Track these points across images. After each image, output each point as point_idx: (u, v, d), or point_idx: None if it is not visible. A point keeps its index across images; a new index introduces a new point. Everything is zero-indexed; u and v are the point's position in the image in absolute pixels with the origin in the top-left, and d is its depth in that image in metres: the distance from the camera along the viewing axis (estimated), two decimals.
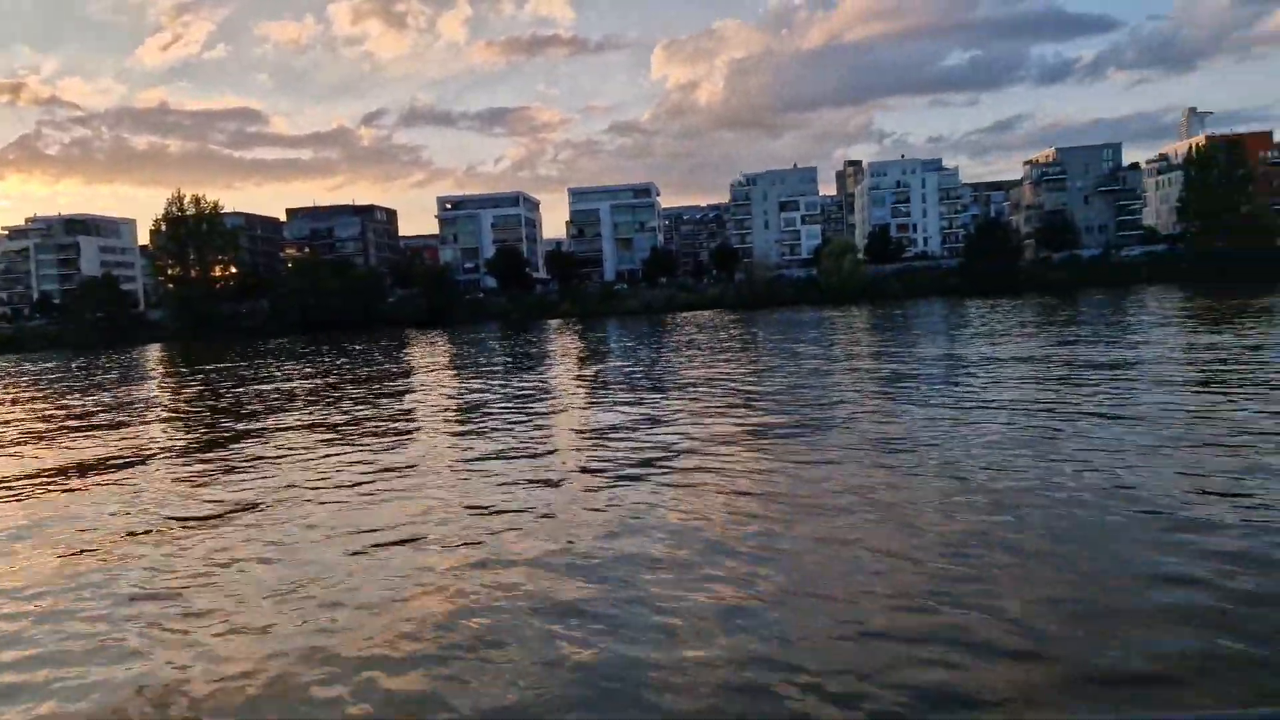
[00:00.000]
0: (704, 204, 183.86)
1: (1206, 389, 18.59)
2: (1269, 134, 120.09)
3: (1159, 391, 18.18)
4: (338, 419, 23.18)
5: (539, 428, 20.02)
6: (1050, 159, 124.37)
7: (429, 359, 47.04)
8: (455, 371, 38.30)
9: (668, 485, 12.57)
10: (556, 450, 16.92)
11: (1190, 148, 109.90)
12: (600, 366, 36.08)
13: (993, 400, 18.53)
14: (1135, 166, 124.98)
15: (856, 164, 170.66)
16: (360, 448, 17.87)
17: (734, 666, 6.37)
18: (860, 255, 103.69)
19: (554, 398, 26.27)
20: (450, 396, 27.99)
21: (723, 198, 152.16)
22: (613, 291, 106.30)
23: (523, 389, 28.84)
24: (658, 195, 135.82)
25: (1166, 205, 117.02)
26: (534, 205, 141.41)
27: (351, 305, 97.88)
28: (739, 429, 17.31)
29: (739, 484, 12.22)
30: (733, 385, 25.58)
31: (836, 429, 16.52)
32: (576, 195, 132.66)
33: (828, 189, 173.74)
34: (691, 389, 25.44)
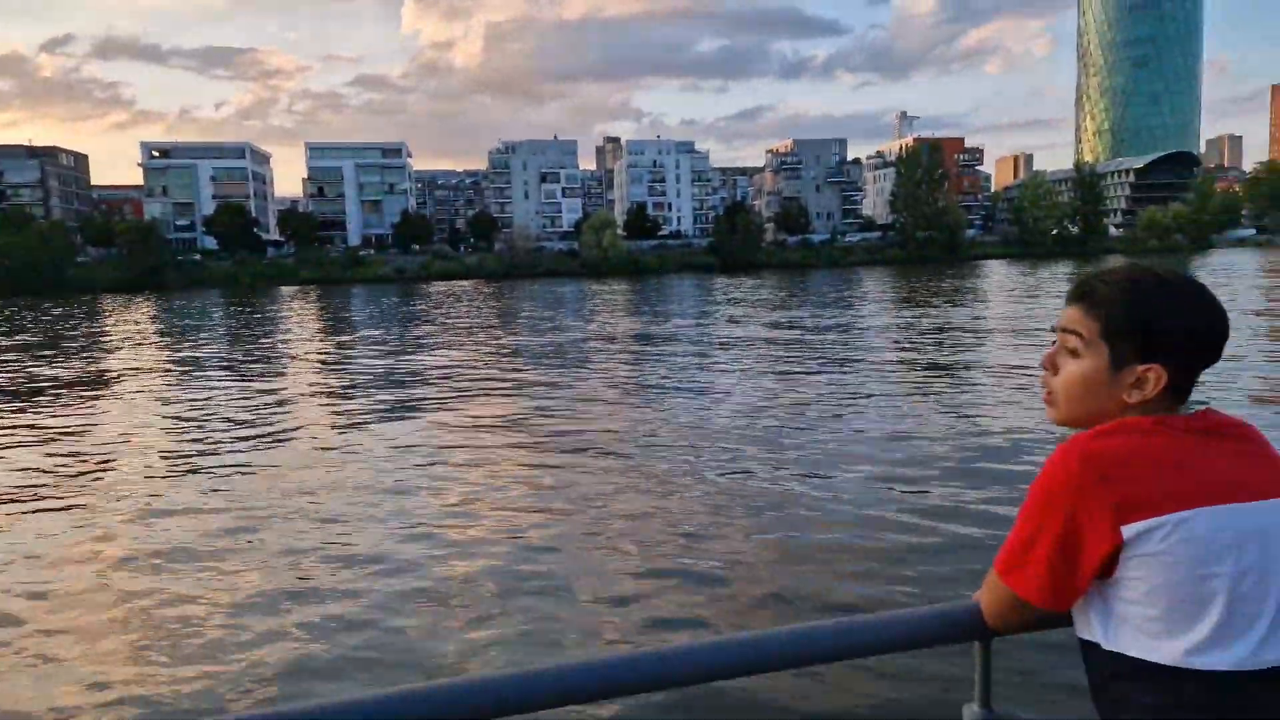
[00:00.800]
0: (461, 169, 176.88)
1: (893, 364, 19.90)
2: (962, 140, 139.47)
3: (867, 364, 19.38)
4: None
5: (263, 394, 17.33)
6: (789, 149, 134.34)
7: (129, 329, 39.22)
8: (160, 341, 31.99)
9: (402, 450, 11.78)
10: (269, 419, 14.42)
11: (901, 148, 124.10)
12: (341, 337, 31.97)
13: (731, 374, 18.85)
14: (857, 161, 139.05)
15: (616, 141, 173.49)
16: (40, 414, 15.64)
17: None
18: (620, 231, 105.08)
19: (280, 367, 22.46)
20: (153, 367, 22.86)
21: (481, 164, 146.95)
22: (359, 257, 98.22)
23: (246, 358, 24.55)
24: (410, 157, 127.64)
25: (882, 197, 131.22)
26: (264, 159, 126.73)
27: (29, 266, 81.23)
28: (491, 410, 15.43)
29: (483, 468, 11.05)
30: (489, 361, 23.46)
31: (590, 392, 16.09)
32: (316, 151, 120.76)
33: (588, 163, 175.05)
34: (444, 355, 23.55)
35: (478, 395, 16.66)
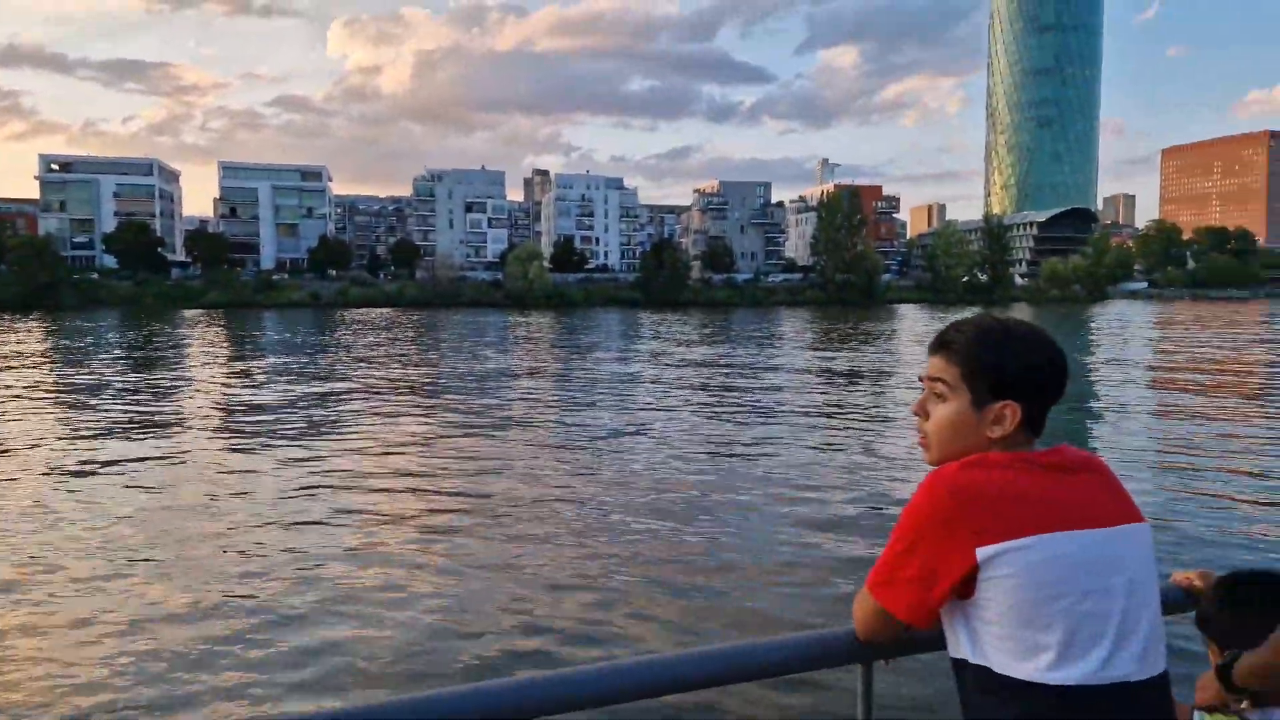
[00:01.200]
0: (383, 195, 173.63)
1: (809, 408, 20.12)
2: (880, 188, 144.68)
3: (781, 400, 19.64)
4: None
5: (150, 420, 16.10)
6: (715, 190, 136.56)
7: (11, 348, 36.17)
8: (45, 362, 29.49)
9: (319, 488, 10.75)
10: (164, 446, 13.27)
11: (823, 193, 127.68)
12: (243, 363, 30.19)
13: (650, 408, 18.57)
14: (781, 204, 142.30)
15: (544, 173, 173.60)
16: None
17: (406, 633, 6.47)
18: (546, 263, 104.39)
19: (172, 392, 20.87)
20: (35, 388, 20.82)
21: (405, 190, 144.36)
22: (272, 281, 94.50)
23: (136, 382, 22.75)
24: (330, 180, 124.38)
25: (804, 240, 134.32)
26: (173, 176, 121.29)
27: None
28: (398, 440, 14.67)
29: (401, 498, 10.52)
30: (399, 390, 22.46)
31: (510, 438, 15.33)
32: (230, 170, 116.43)
33: (515, 194, 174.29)
34: (352, 383, 22.53)
35: (384, 425, 15.99)
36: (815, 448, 13.58)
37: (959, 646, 1.29)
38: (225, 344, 40.68)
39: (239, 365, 29.00)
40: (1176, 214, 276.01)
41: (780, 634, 1.37)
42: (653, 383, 23.43)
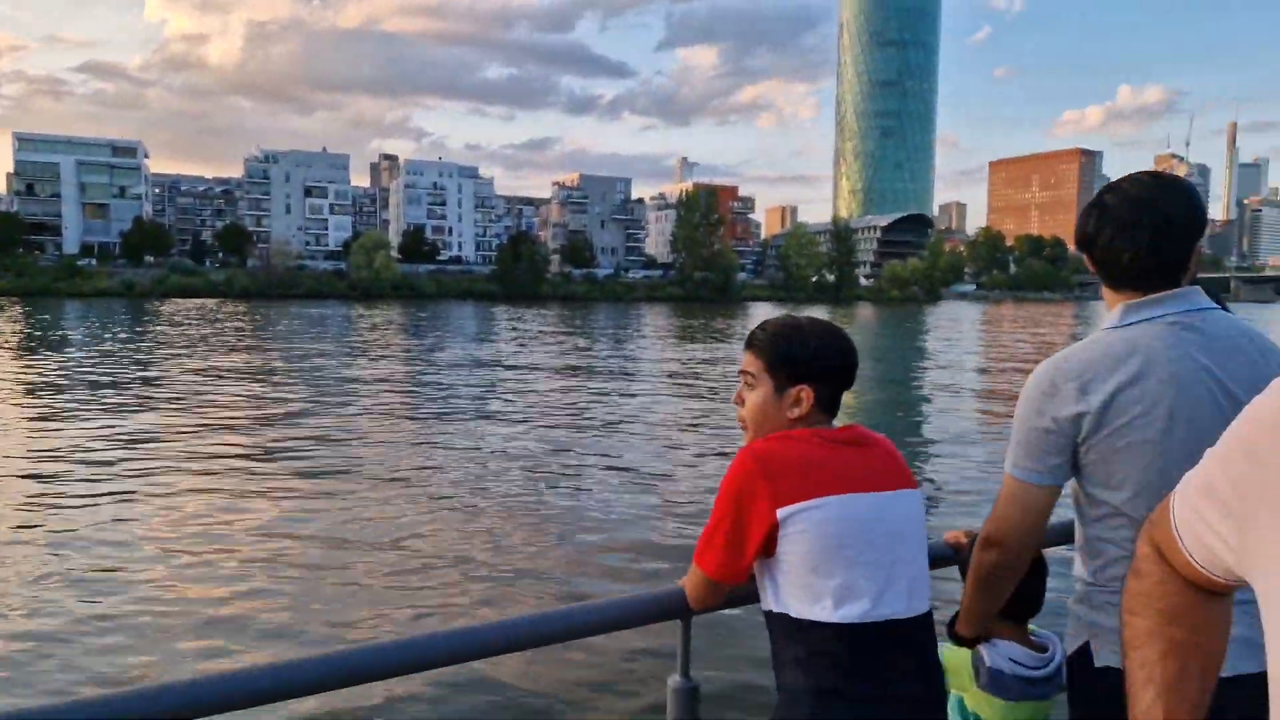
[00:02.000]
0: (210, 175, 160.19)
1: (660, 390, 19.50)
2: (736, 188, 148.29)
3: (642, 395, 19.44)
4: None
5: None
6: (575, 183, 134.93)
7: None
8: None
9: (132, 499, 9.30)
10: None
11: (682, 191, 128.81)
12: (37, 357, 25.74)
13: (501, 410, 17.44)
14: (641, 201, 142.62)
15: (393, 159, 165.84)
16: None
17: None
18: (394, 253, 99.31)
19: None
20: None
21: (235, 171, 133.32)
22: (76, 267, 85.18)
23: None
24: (147, 157, 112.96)
25: (663, 237, 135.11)
26: None
27: None
28: (234, 451, 12.54)
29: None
30: (230, 395, 19.66)
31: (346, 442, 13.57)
32: (27, 142, 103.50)
33: (360, 180, 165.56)
34: (169, 391, 19.49)
35: (194, 416, 14.71)
36: (663, 435, 13.84)
37: (766, 599, 1.47)
38: (11, 336, 35.01)
39: (29, 360, 24.70)
40: (1002, 222, 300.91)
41: (608, 595, 1.38)
42: (506, 380, 21.80)
